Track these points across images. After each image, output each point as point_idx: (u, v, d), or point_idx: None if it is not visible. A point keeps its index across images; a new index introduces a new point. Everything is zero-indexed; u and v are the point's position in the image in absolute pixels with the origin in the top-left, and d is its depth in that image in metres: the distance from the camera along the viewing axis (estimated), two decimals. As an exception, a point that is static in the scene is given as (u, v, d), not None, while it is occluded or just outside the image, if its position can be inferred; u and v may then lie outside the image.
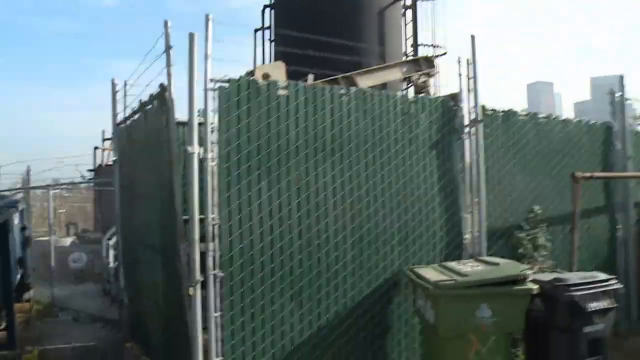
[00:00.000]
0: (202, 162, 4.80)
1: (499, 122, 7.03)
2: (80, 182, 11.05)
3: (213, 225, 4.84)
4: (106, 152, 15.93)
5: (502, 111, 7.09)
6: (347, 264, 5.68)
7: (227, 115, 5.00)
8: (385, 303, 5.95)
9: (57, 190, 11.83)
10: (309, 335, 5.41)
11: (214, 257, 4.84)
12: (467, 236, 6.59)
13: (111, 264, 10.37)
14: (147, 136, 5.95)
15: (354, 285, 5.72)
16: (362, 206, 5.78)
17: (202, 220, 4.86)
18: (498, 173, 6.87)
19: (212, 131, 4.89)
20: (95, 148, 15.55)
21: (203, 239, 4.79)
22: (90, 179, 13.44)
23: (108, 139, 16.41)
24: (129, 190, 7.36)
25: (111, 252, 10.45)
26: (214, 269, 4.83)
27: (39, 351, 7.01)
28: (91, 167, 14.69)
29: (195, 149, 4.77)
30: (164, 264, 5.58)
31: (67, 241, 13.25)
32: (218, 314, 4.83)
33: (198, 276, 4.75)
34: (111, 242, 10.46)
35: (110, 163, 15.69)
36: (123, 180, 7.79)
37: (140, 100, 6.04)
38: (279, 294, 5.23)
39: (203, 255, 4.79)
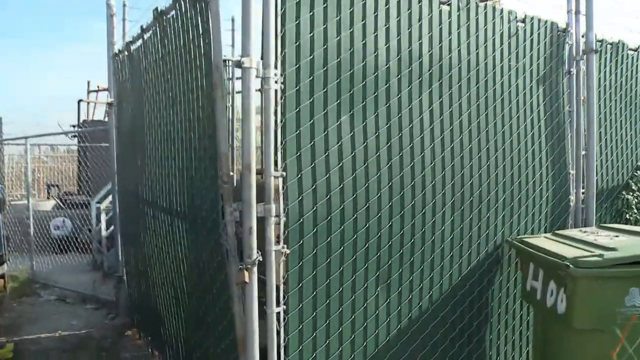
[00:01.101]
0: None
1: (606, 56, 5.49)
2: (64, 133, 9.26)
3: (276, 179, 3.26)
4: (92, 105, 14.10)
5: (610, 43, 5.54)
6: (445, 233, 4.18)
7: (296, 18, 3.36)
8: (485, 284, 4.47)
9: (35, 148, 10.04)
10: (397, 332, 3.91)
11: (277, 226, 3.27)
12: (572, 197, 5.16)
13: (103, 232, 8.70)
14: (167, 56, 4.25)
15: (452, 262, 4.24)
16: (464, 154, 4.24)
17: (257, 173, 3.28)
18: (603, 120, 5.42)
19: (276, 39, 3.26)
20: (80, 101, 13.68)
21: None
22: (75, 133, 11.64)
23: (94, 91, 14.54)
24: (131, 139, 5.69)
25: (103, 218, 8.78)
26: (278, 242, 3.26)
27: (14, 344, 5.38)
28: (75, 123, 12.89)
29: (253, 62, 3.13)
30: (193, 235, 3.97)
31: (48, 205, 11.49)
32: (280, 309, 3.29)
33: (255, 253, 3.17)
34: (102, 206, 8.78)
35: (97, 118, 13.92)
36: (122, 128, 6.10)
37: (157, 10, 4.32)
38: (362, 277, 3.71)
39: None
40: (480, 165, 4.37)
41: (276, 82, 3.26)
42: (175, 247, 4.42)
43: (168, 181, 4.48)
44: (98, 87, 14.35)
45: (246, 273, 3.15)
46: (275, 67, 3.26)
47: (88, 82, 14.72)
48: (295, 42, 3.36)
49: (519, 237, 4.61)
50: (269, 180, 3.24)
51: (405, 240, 3.92)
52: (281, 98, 3.30)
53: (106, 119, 14.42)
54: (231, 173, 3.35)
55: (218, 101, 3.27)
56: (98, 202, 9.06)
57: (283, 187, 3.30)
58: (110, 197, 8.61)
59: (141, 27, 4.89)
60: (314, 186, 3.44)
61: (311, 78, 3.44)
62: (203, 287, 3.91)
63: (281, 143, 3.30)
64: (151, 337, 5.64)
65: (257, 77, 3.18)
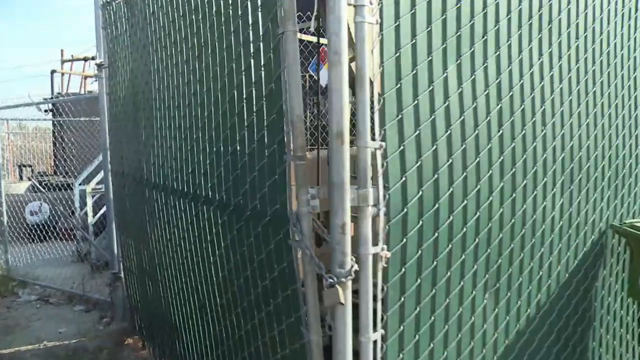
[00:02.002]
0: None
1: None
2: (38, 103, 7.99)
3: (373, 152, 2.29)
4: (66, 77, 12.74)
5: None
6: (555, 220, 3.26)
7: None
8: (589, 281, 3.61)
9: (2, 125, 8.77)
10: (504, 351, 3.02)
11: (375, 218, 2.32)
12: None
13: (90, 218, 7.58)
14: None
15: (560, 256, 3.34)
16: (573, 121, 3.33)
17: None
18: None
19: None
20: (53, 72, 12.28)
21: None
22: (49, 107, 10.35)
23: (69, 61, 13.15)
24: (131, 108, 4.59)
25: (89, 202, 7.64)
26: (376, 242, 2.31)
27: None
28: (48, 97, 11.56)
29: None
30: (237, 231, 2.96)
31: (21, 187, 10.24)
32: (377, 334, 2.36)
33: (349, 261, 2.22)
34: (88, 189, 7.63)
35: (73, 91, 12.62)
36: (116, 95, 4.99)
37: None
38: (470, 283, 2.77)
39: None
40: (588, 134, 3.45)
41: (372, 14, 2.25)
42: (204, 246, 3.41)
43: (192, 159, 3.44)
44: (72, 56, 12.98)
45: (340, 290, 2.18)
46: (371, -6, 2.24)
47: (61, 51, 13.32)
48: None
49: (628, 221, 3.74)
50: (363, 153, 2.25)
51: (516, 232, 3.00)
52: (378, 36, 2.30)
53: (82, 92, 13.21)
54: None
55: (289, 39, 2.25)
56: (81, 184, 7.92)
57: (382, 164, 2.32)
58: (96, 179, 7.49)
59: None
60: (418, 162, 2.46)
61: (413, 11, 2.44)
62: (252, 303, 2.92)
63: (378, 101, 2.31)
64: (161, 349, 4.64)
65: (348, 4, 2.17)
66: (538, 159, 3.09)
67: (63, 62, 13.05)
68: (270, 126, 2.53)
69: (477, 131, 2.73)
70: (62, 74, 12.65)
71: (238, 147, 2.84)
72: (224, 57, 2.90)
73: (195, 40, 3.21)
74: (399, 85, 2.39)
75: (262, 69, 2.55)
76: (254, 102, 2.66)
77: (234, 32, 2.76)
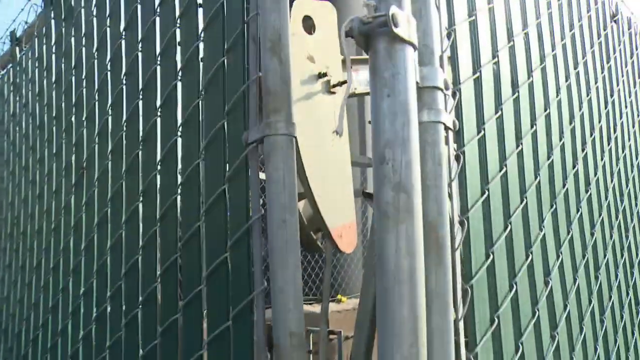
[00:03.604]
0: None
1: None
2: None
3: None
4: None
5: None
6: None
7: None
8: None
9: None
10: None
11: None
12: None
13: None
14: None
15: None
16: None
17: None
18: None
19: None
20: None
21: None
22: None
23: None
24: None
25: None
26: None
27: None
28: None
29: (412, 25, 0.92)
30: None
31: None
32: None
33: None
34: None
35: None
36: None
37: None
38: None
39: None
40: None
41: (446, 106, 1.06)
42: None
43: None
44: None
45: None
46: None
47: None
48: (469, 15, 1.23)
49: None
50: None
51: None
52: (457, 158, 1.09)
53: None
54: None
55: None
56: None
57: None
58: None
59: (12, 34, 2.47)
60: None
61: (499, 113, 1.27)
62: None
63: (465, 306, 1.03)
64: None
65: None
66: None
67: None
68: (217, 350, 1.16)
69: (583, 329, 1.50)
70: None
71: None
72: (121, 190, 1.55)
73: (74, 158, 1.85)
74: (491, 257, 1.16)
75: (202, 217, 1.23)
76: (180, 293, 1.30)
77: (145, 142, 1.45)
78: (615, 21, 2.45)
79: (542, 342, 1.35)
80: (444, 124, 1.08)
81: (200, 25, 1.26)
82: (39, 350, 2.04)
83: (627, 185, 2.22)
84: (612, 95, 2.20)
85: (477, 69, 1.28)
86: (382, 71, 0.94)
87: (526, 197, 1.40)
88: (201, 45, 1.25)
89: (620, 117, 2.26)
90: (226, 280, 1.16)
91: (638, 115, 2.51)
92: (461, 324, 1.08)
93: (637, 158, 2.42)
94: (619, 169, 2.15)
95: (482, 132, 1.25)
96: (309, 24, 1.75)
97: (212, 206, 1.20)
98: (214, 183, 1.20)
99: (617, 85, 2.29)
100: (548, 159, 1.57)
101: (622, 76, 2.39)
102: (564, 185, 1.64)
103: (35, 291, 2.13)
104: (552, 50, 1.70)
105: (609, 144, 2.07)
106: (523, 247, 1.36)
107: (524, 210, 1.38)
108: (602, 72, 2.13)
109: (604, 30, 2.25)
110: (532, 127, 1.50)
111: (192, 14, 1.30)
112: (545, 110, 1.59)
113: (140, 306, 1.45)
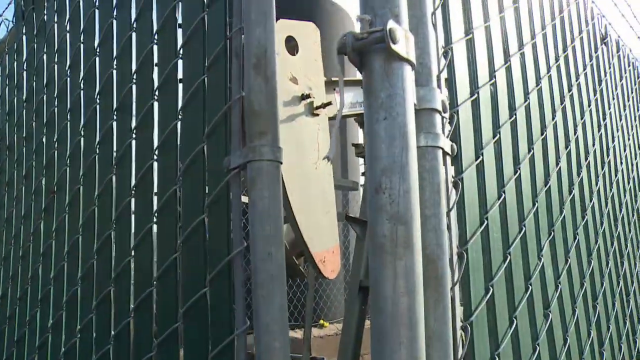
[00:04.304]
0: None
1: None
2: None
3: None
4: None
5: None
6: None
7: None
8: None
9: None
10: None
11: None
12: None
13: None
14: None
15: None
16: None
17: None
18: None
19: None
20: None
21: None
22: None
23: None
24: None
25: None
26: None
27: None
28: None
29: (410, 44, 0.84)
30: None
31: None
32: None
33: None
34: None
35: None
36: None
37: None
38: None
39: None
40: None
41: (444, 130, 0.99)
42: None
43: None
44: None
45: None
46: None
47: None
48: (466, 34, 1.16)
49: None
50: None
51: None
52: (455, 185, 1.01)
53: None
54: None
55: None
56: None
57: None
58: None
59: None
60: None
61: (497, 137, 1.20)
62: None
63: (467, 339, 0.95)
64: None
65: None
66: None
67: None
68: None
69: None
70: None
71: None
72: (93, 217, 1.44)
73: (44, 182, 1.74)
74: (491, 291, 1.07)
75: (178, 248, 1.12)
76: (152, 330, 1.19)
77: (119, 166, 1.34)
78: (605, 43, 2.42)
79: (544, 381, 1.27)
80: (442, 148, 1.00)
81: (179, 41, 1.18)
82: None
83: (620, 210, 2.16)
84: (604, 119, 2.16)
85: (475, 90, 1.21)
86: (378, 91, 0.85)
87: (525, 226, 1.32)
88: (180, 63, 1.16)
89: (613, 141, 2.21)
90: (205, 317, 1.06)
91: (629, 139, 2.47)
92: (462, 366, 0.99)
93: (628, 182, 2.37)
94: (613, 194, 2.10)
95: (481, 157, 1.18)
96: (291, 45, 1.68)
97: (190, 236, 1.10)
98: (192, 210, 1.10)
99: (609, 108, 2.25)
100: (545, 184, 1.50)
101: (613, 99, 2.35)
102: (561, 212, 1.57)
103: None
104: (547, 72, 1.64)
105: (602, 169, 2.02)
106: (522, 278, 1.28)
107: (523, 239, 1.31)
108: (595, 95, 2.09)
109: (595, 52, 2.22)
110: (529, 151, 1.44)
111: (171, 28, 1.22)
112: (542, 133, 1.53)
113: (112, 342, 1.34)
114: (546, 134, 1.55)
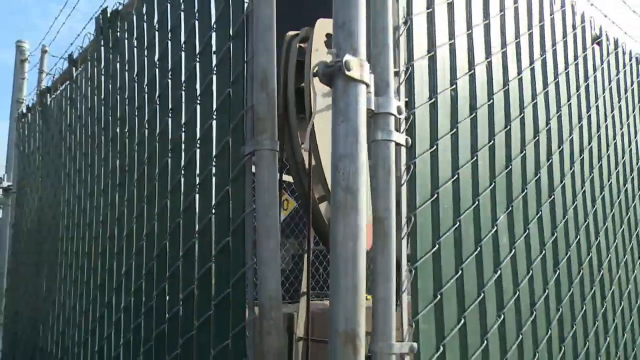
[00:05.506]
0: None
1: None
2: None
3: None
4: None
5: None
6: None
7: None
8: None
9: None
10: None
11: None
12: None
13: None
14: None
15: None
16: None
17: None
18: None
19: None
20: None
21: None
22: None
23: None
24: (34, 249, 3.48)
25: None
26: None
27: None
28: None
29: (365, 69, 1.26)
30: None
31: None
32: None
33: None
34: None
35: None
36: (24, 227, 3.89)
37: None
38: None
39: None
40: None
41: (399, 127, 1.40)
42: None
43: (102, 327, 2.32)
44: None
45: None
46: (397, 95, 1.41)
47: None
48: (428, 52, 1.55)
49: None
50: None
51: None
52: (407, 168, 1.42)
53: None
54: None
55: (264, 160, 1.33)
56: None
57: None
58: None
59: (69, 56, 2.91)
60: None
61: (454, 130, 1.59)
62: None
63: (409, 272, 1.36)
64: None
65: (368, 110, 1.31)
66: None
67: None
68: (222, 307, 1.51)
69: (534, 313, 1.80)
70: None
71: (167, 330, 1.78)
72: (154, 189, 1.94)
73: (118, 163, 2.25)
74: (437, 247, 1.47)
75: (213, 210, 1.59)
76: (197, 263, 1.66)
77: (172, 152, 1.83)
78: (598, 43, 2.70)
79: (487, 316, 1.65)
80: (395, 141, 1.40)
81: (214, 63, 1.63)
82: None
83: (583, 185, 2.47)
84: (588, 111, 2.46)
85: (434, 95, 1.60)
86: (339, 102, 1.27)
87: (479, 200, 1.70)
88: (214, 78, 1.62)
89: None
90: (228, 256, 1.51)
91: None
92: (407, 297, 1.40)
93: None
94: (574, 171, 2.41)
95: (435, 147, 1.57)
96: (331, 41, 2.10)
97: (220, 201, 1.56)
98: (222, 185, 1.56)
99: (596, 101, 2.55)
100: (506, 168, 1.86)
101: (604, 92, 2.64)
102: (523, 190, 1.93)
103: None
104: (519, 75, 1.99)
105: (581, 154, 2.34)
106: (473, 242, 1.66)
107: (476, 211, 1.69)
108: (577, 90, 2.40)
109: (583, 52, 2.51)
110: (490, 141, 1.80)
111: (208, 53, 1.67)
112: (506, 126, 1.89)
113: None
114: (510, 127, 1.90)
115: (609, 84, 2.73)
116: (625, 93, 2.89)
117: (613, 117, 2.72)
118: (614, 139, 2.70)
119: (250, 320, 1.40)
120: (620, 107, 2.81)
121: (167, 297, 1.81)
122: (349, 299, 1.22)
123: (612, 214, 2.53)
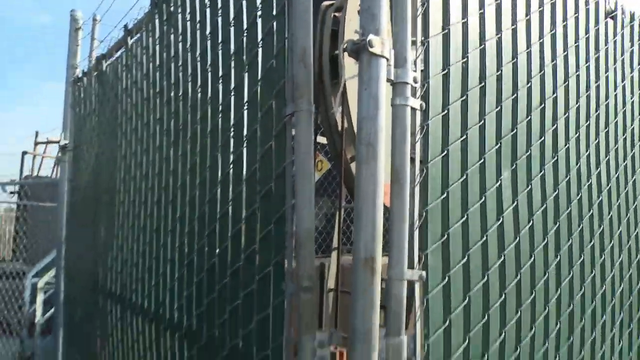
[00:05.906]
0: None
1: None
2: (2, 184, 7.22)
3: (410, 285, 1.60)
4: (38, 159, 11.99)
5: None
6: None
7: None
8: None
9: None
10: None
11: None
12: None
13: (38, 317, 6.58)
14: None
15: None
16: None
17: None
18: None
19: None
20: (24, 153, 11.53)
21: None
22: (13, 189, 9.56)
23: (42, 143, 12.44)
24: (93, 198, 3.88)
25: (39, 298, 6.68)
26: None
27: None
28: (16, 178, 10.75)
29: (386, 46, 1.56)
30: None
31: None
32: None
33: None
34: (41, 283, 6.70)
35: (44, 174, 11.88)
36: (80, 182, 4.31)
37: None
38: None
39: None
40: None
41: (415, 94, 1.67)
42: None
43: (157, 269, 2.70)
44: (47, 139, 12.33)
45: None
46: (414, 67, 1.68)
47: (36, 133, 12.71)
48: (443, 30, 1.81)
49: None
50: (397, 288, 1.58)
51: None
52: (421, 128, 1.71)
53: (53, 176, 12.46)
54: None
55: (302, 121, 1.64)
56: (35, 276, 6.97)
57: (422, 302, 1.65)
58: (52, 272, 6.59)
59: (125, 26, 3.24)
60: (466, 300, 1.78)
61: (464, 97, 1.86)
62: None
63: (420, 215, 1.66)
64: None
65: (388, 80, 1.59)
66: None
67: (37, 144, 12.41)
68: (265, 240, 1.84)
69: (533, 257, 2.09)
70: (34, 156, 11.96)
71: (217, 263, 2.13)
72: (206, 145, 2.26)
73: (173, 123, 2.59)
74: (445, 195, 1.77)
75: (258, 161, 1.91)
76: (244, 205, 1.99)
77: (222, 113, 2.14)
78: (612, 17, 2.89)
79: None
80: (410, 106, 1.68)
81: (259, 36, 1.93)
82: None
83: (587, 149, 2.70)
84: (597, 81, 2.67)
85: (446, 67, 1.87)
86: (363, 73, 1.56)
87: (485, 157, 1.97)
88: (260, 51, 1.91)
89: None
90: (271, 201, 1.83)
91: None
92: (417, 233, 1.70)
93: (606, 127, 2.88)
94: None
95: (446, 111, 1.84)
96: None
97: (264, 154, 1.88)
98: (266, 140, 1.87)
99: (606, 72, 2.76)
100: (512, 130, 2.12)
101: (614, 63, 2.84)
102: (527, 150, 2.18)
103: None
104: (527, 48, 2.23)
105: (587, 120, 2.57)
106: (478, 192, 1.94)
107: (482, 166, 1.96)
108: (587, 63, 2.61)
109: (596, 26, 2.71)
110: (497, 107, 2.06)
111: (254, 27, 1.96)
112: (513, 94, 2.14)
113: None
114: (517, 95, 2.15)
115: (622, 56, 2.92)
116: (639, 64, 3.07)
117: (624, 87, 2.92)
118: (624, 107, 2.90)
119: (289, 250, 1.73)
120: (632, 78, 3.00)
121: (217, 236, 2.16)
122: (369, 230, 1.52)
123: (616, 176, 2.76)
